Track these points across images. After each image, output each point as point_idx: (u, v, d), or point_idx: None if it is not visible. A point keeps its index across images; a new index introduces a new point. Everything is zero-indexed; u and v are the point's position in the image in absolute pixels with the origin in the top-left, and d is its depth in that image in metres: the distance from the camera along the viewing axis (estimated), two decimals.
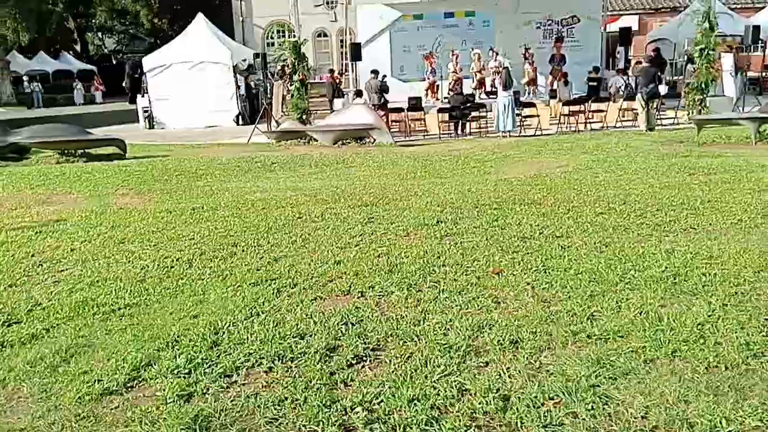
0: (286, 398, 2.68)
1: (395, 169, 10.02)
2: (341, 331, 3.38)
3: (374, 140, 13.93)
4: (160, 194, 8.30)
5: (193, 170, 10.59)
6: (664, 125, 14.45)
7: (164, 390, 2.78)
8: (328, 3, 31.40)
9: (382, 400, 2.63)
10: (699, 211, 5.71)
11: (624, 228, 5.28)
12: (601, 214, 5.80)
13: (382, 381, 2.80)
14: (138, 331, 3.50)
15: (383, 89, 16.03)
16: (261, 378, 2.91)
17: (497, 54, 17.75)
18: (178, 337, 3.38)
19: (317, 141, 14.25)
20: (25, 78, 35.17)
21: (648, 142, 11.72)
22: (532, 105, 15.33)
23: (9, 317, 3.88)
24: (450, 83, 16.93)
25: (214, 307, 3.87)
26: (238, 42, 26.89)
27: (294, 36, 18.38)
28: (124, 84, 27.27)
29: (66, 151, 12.94)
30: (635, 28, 26.50)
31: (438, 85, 18.98)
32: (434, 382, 2.77)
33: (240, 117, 19.99)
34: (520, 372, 2.84)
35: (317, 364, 3.00)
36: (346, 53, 24.97)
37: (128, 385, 2.88)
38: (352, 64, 20.42)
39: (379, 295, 3.94)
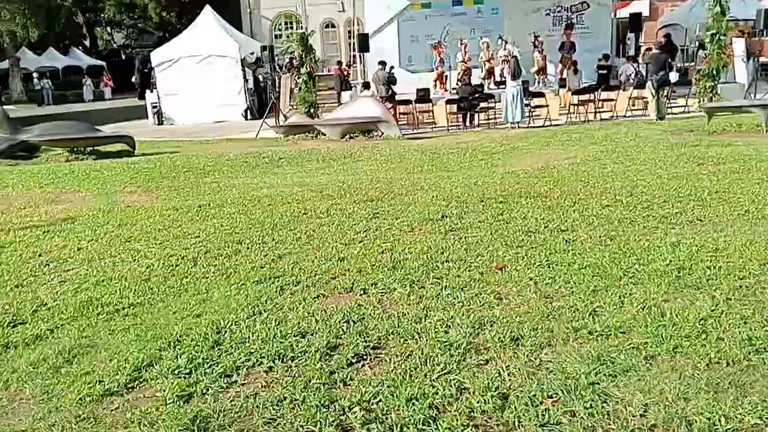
0: (285, 398, 2.69)
1: (402, 163, 10.00)
2: (342, 330, 3.38)
3: (382, 133, 13.90)
4: (168, 191, 8.34)
5: (200, 167, 10.63)
6: (675, 114, 14.31)
7: (164, 390, 2.80)
8: None
9: (380, 400, 2.63)
10: (706, 203, 5.66)
11: (630, 221, 5.24)
12: (608, 206, 5.76)
13: (381, 380, 2.80)
14: (141, 331, 3.53)
15: (391, 81, 15.99)
16: (261, 378, 2.92)
17: (506, 42, 17.62)
18: (180, 336, 3.40)
19: (325, 135, 14.24)
20: (35, 75, 35.41)
21: (658, 131, 11.61)
22: (541, 95, 15.23)
23: (14, 318, 3.91)
24: (459, 73, 16.84)
25: (217, 305, 3.89)
26: (246, 34, 26.87)
27: (302, 27, 18.32)
28: (133, 79, 27.35)
29: (75, 149, 13.02)
30: (646, 13, 26.11)
31: (446, 76, 18.89)
32: (433, 380, 2.76)
33: (248, 111, 20.01)
34: (519, 370, 2.83)
35: (317, 363, 3.00)
36: (353, 44, 24.87)
37: (129, 385, 2.90)
38: (359, 55, 20.37)
39: (382, 292, 3.94)
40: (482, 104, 15.26)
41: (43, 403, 2.81)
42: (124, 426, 2.56)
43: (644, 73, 14.68)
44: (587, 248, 4.55)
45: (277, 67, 20.60)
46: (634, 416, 2.44)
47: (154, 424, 2.55)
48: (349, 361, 3.02)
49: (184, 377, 2.93)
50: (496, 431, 2.39)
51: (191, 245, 5.37)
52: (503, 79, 16.07)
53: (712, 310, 3.35)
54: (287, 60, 20.54)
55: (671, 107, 14.59)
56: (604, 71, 16.67)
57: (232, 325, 3.53)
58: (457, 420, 2.45)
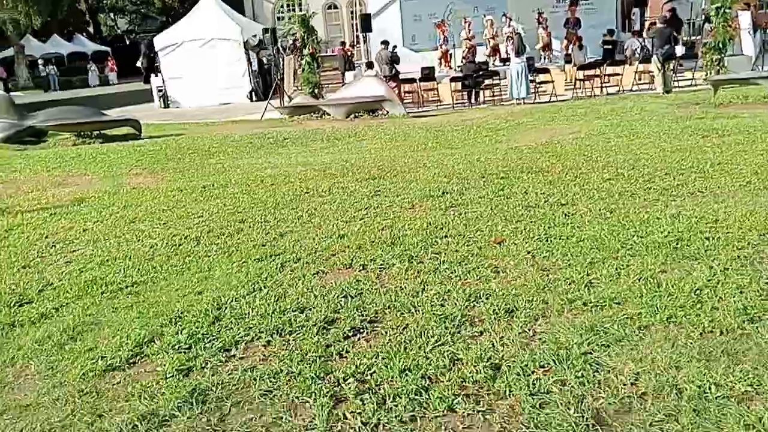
0: (282, 371, 2.74)
1: (406, 141, 9.99)
2: (340, 304, 3.43)
3: (387, 112, 13.87)
4: (173, 173, 8.39)
5: (206, 148, 10.67)
6: (682, 87, 14.16)
7: (164, 365, 2.86)
8: None
9: (374, 371, 2.67)
10: (708, 174, 5.63)
11: (631, 193, 5.24)
12: (609, 180, 5.75)
13: (376, 352, 2.84)
14: (143, 309, 3.59)
15: (394, 60, 15.92)
16: (259, 352, 2.97)
17: (510, 20, 17.46)
18: (181, 313, 3.45)
19: (330, 115, 14.23)
20: (40, 61, 35.55)
21: (664, 105, 11.52)
22: (546, 71, 15.12)
23: (21, 297, 3.99)
24: (463, 51, 16.73)
25: (219, 283, 3.94)
26: (249, 17, 26.74)
27: (303, 9, 18.21)
28: (139, 64, 27.32)
29: (82, 133, 13.09)
30: None
31: (451, 54, 18.76)
32: (427, 352, 2.80)
33: (253, 93, 19.99)
34: (512, 341, 2.87)
35: (314, 336, 3.05)
36: (356, 25, 24.70)
37: (131, 361, 2.96)
38: (363, 35, 20.24)
39: (380, 268, 3.97)
40: (487, 81, 15.18)
41: (48, 378, 2.88)
42: (125, 399, 2.63)
43: (650, 48, 14.53)
44: (586, 221, 4.56)
45: (280, 48, 20.52)
46: (624, 385, 2.47)
47: (154, 397, 2.61)
48: (345, 335, 3.06)
49: (184, 352, 2.99)
50: (487, 400, 2.43)
51: (194, 225, 5.43)
52: (508, 56, 15.95)
53: (709, 280, 3.36)
54: (290, 42, 20.43)
55: (678, 81, 14.45)
56: (609, 46, 16.52)
57: (232, 301, 3.58)
58: (449, 390, 2.49)
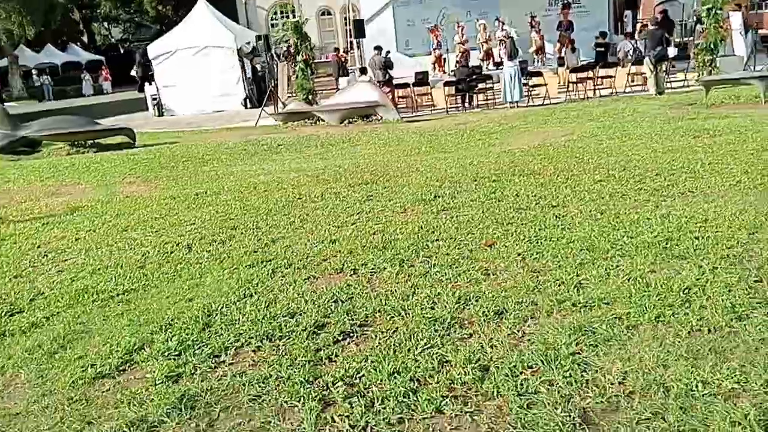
0: (271, 375, 2.74)
1: (400, 145, 10.01)
2: (330, 309, 3.43)
3: (381, 117, 13.90)
4: (166, 181, 8.39)
5: (199, 156, 10.68)
6: (674, 88, 14.22)
7: (154, 372, 2.86)
8: None
9: (363, 375, 2.68)
10: (698, 174, 5.66)
11: (621, 194, 5.26)
12: (600, 181, 5.77)
13: (365, 356, 2.85)
14: (134, 316, 3.59)
15: (387, 65, 15.94)
16: (248, 357, 2.97)
17: (503, 24, 17.50)
18: (171, 320, 3.45)
19: (324, 121, 14.25)
20: (34, 71, 35.55)
21: (656, 106, 11.57)
22: (539, 74, 15.17)
23: (12, 307, 3.99)
24: (457, 56, 16.78)
25: (210, 289, 3.94)
26: (242, 25, 26.77)
27: (297, 16, 18.25)
28: (134, 72, 27.34)
29: (76, 143, 13.08)
30: None
31: (445, 59, 18.80)
32: (416, 355, 2.81)
33: (248, 100, 20.01)
34: (501, 342, 2.87)
35: (304, 341, 3.05)
36: (350, 31, 24.76)
37: (120, 368, 2.96)
38: (356, 41, 20.29)
39: (371, 272, 3.98)
40: (480, 85, 15.22)
41: (38, 386, 2.88)
42: (114, 406, 2.63)
43: (642, 50, 14.60)
44: (577, 223, 4.58)
45: (274, 55, 20.55)
46: (612, 384, 2.48)
47: (143, 404, 2.61)
48: (335, 339, 3.07)
49: (174, 359, 2.99)
50: (475, 401, 2.44)
51: (187, 232, 5.43)
52: (502, 59, 16.00)
53: (697, 279, 3.37)
54: (284, 48, 20.47)
55: (671, 82, 14.51)
56: (602, 48, 16.59)
57: (222, 307, 3.58)
58: (437, 392, 2.50)
